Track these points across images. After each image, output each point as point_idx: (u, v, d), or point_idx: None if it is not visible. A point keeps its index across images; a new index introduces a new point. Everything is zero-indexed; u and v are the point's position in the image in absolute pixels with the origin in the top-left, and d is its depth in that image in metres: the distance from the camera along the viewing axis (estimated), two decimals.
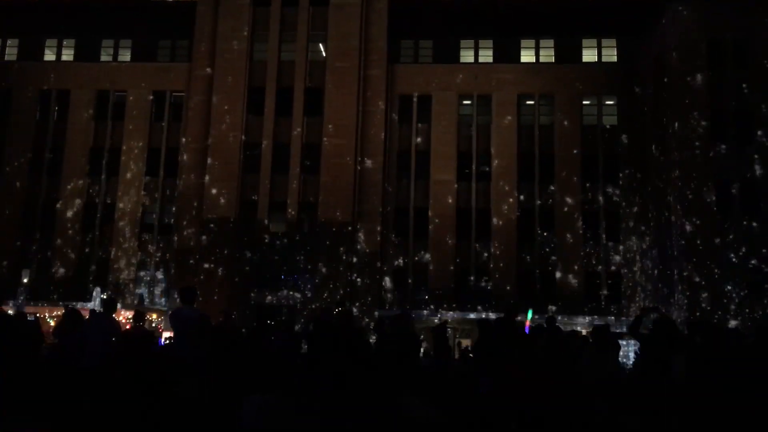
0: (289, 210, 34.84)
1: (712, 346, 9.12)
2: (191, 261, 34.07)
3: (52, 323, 24.96)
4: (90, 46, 38.72)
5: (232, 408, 7.83)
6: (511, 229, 34.50)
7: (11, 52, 39.43)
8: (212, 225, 34.23)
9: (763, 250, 28.39)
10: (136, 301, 33.12)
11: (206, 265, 33.63)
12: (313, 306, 32.05)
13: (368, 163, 34.97)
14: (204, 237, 34.07)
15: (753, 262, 28.54)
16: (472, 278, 34.46)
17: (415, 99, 36.44)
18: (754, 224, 28.72)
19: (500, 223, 34.60)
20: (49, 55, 39.22)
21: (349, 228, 33.87)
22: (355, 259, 33.78)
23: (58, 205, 36.45)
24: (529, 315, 24.99)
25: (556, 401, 8.03)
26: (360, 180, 34.72)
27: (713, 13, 30.46)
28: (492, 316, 27.02)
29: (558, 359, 9.76)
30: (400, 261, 34.82)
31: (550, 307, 31.81)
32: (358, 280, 33.67)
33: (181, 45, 38.24)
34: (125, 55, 38.75)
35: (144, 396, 7.91)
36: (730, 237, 28.51)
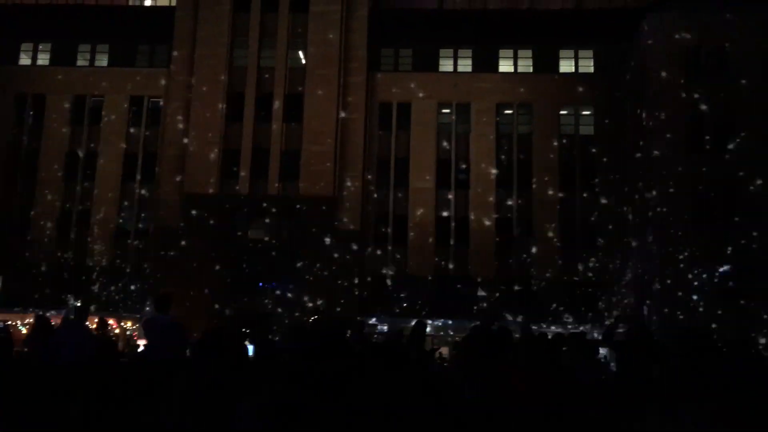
0: (269, 218, 34.66)
1: (689, 353, 9.18)
2: (168, 268, 33.68)
3: (24, 331, 24.56)
4: (67, 51, 38.34)
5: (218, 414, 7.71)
6: (489, 236, 34.63)
7: None
8: (190, 231, 33.92)
9: (739, 259, 28.71)
10: (111, 309, 32.67)
11: (183, 273, 33.25)
12: (296, 313, 31.86)
13: (348, 170, 34.92)
14: (182, 243, 33.75)
15: (729, 269, 28.84)
16: (451, 285, 34.46)
17: (394, 107, 36.52)
18: (732, 232, 29.03)
19: (479, 230, 34.71)
20: (25, 59, 38.77)
21: (329, 235, 33.77)
22: (334, 267, 33.64)
23: (32, 211, 35.94)
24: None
25: (554, 403, 7.99)
26: (339, 187, 34.65)
27: (690, 23, 30.88)
28: (469, 323, 26.99)
29: (542, 362, 9.75)
30: (380, 268, 34.74)
31: (519, 317, 31.92)
32: (338, 286, 33.51)
33: (159, 50, 37.96)
34: (102, 60, 38.40)
35: (114, 401, 7.78)
36: (707, 245, 28.78)
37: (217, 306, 32.78)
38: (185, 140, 35.21)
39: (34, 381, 8.83)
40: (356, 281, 33.92)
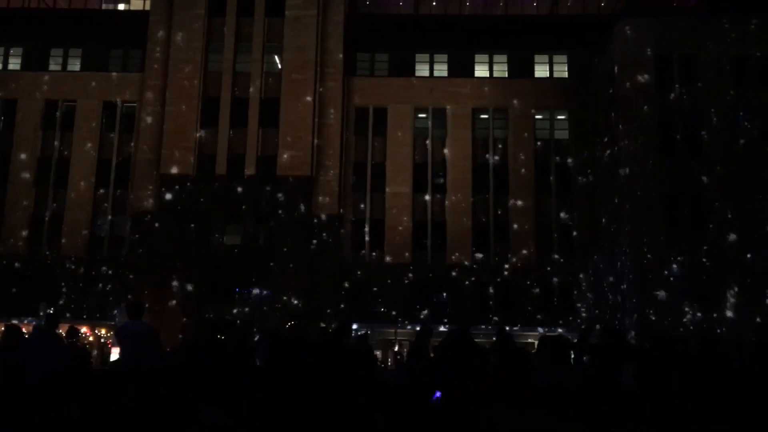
0: (244, 223, 34.51)
1: (661, 355, 9.30)
2: (144, 274, 33.36)
3: None
4: (39, 55, 37.85)
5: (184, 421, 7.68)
6: (466, 241, 34.78)
7: None
8: (165, 238, 33.63)
9: (709, 262, 29.15)
10: (85, 316, 32.27)
11: (159, 279, 32.99)
12: (271, 319, 31.70)
13: (324, 175, 34.87)
14: (158, 250, 33.43)
15: (701, 273, 29.25)
16: (427, 291, 34.55)
17: (371, 111, 36.56)
18: (703, 236, 29.46)
19: (456, 235, 34.85)
20: None
21: (305, 239, 33.69)
22: (311, 272, 33.53)
23: (3, 217, 35.39)
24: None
25: (513, 409, 8.05)
26: (316, 192, 34.56)
27: (661, 30, 31.34)
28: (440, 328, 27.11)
29: (514, 368, 9.81)
30: (358, 273, 34.70)
31: (494, 318, 32.16)
32: (315, 292, 33.43)
33: (133, 55, 37.59)
34: (75, 65, 37.95)
35: (91, 411, 7.70)
36: (679, 249, 29.19)
37: (190, 315, 32.55)
38: (159, 145, 34.90)
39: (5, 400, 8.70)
40: (334, 287, 33.83)
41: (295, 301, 32.71)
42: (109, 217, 35.81)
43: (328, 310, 32.93)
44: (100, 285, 34.75)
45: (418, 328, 12.34)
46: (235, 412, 8.14)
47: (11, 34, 37.57)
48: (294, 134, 34.80)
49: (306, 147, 34.68)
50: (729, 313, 28.28)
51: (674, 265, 28.97)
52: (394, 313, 33.82)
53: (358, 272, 34.69)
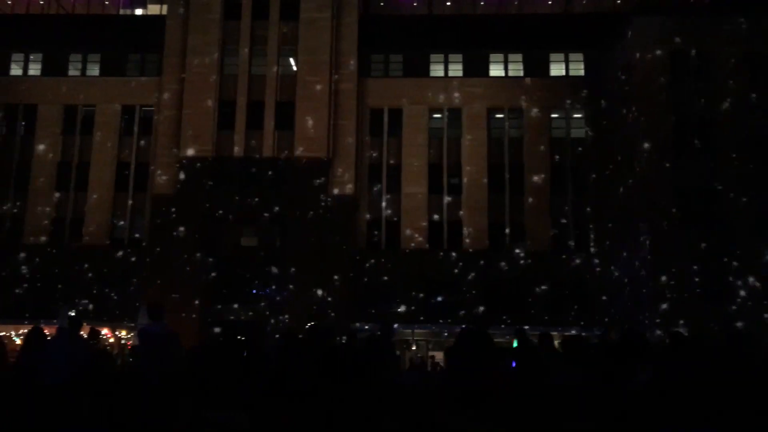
0: (261, 224, 34.72)
1: (680, 354, 9.26)
2: (163, 276, 33.66)
3: (18, 342, 24.50)
4: (58, 61, 38.30)
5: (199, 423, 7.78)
6: (482, 241, 34.73)
7: None
8: (182, 238, 33.94)
9: (725, 260, 28.95)
10: (105, 318, 32.59)
11: (178, 280, 33.28)
12: (287, 319, 31.87)
13: (339, 176, 34.98)
14: (178, 251, 33.74)
15: (715, 269, 29.05)
16: (443, 291, 34.52)
17: (385, 113, 36.63)
18: (717, 232, 29.25)
19: (471, 235, 34.81)
20: (16, 70, 38.71)
21: (321, 239, 33.82)
22: (326, 271, 33.65)
23: (24, 221, 35.88)
24: (515, 344, 25.00)
25: (528, 410, 8.08)
26: (331, 194, 34.68)
27: (675, 27, 31.19)
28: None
29: (530, 370, 9.83)
30: (373, 273, 34.74)
31: (514, 316, 32.03)
32: (331, 293, 33.55)
33: (150, 59, 37.96)
34: (94, 70, 38.38)
35: (109, 414, 7.82)
36: (694, 245, 29.02)
37: (209, 314, 32.84)
38: (177, 148, 35.21)
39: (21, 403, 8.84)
40: (349, 288, 33.92)
41: (311, 302, 32.82)
42: (128, 219, 36.16)
43: (344, 311, 33.03)
44: (120, 287, 35.11)
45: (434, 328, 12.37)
46: (248, 414, 8.23)
47: (31, 40, 38.06)
48: (309, 136, 34.96)
49: (321, 149, 34.81)
50: (744, 309, 28.10)
51: (689, 262, 28.81)
52: (409, 312, 33.80)
53: (373, 272, 34.70)
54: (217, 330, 31.26)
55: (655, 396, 8.27)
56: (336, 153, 35.20)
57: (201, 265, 33.67)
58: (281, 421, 8.27)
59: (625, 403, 8.11)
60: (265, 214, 34.50)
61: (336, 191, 34.73)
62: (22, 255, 35.23)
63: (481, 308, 33.08)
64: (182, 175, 34.77)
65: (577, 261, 34.28)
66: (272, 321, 32.72)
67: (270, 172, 34.94)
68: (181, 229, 34.02)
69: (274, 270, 33.86)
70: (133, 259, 35.12)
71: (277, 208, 34.44)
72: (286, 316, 32.45)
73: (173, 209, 34.40)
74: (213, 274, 33.85)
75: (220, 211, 34.48)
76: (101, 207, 35.95)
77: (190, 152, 34.93)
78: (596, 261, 34.07)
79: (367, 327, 31.96)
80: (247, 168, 35.15)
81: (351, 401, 8.03)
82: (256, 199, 34.58)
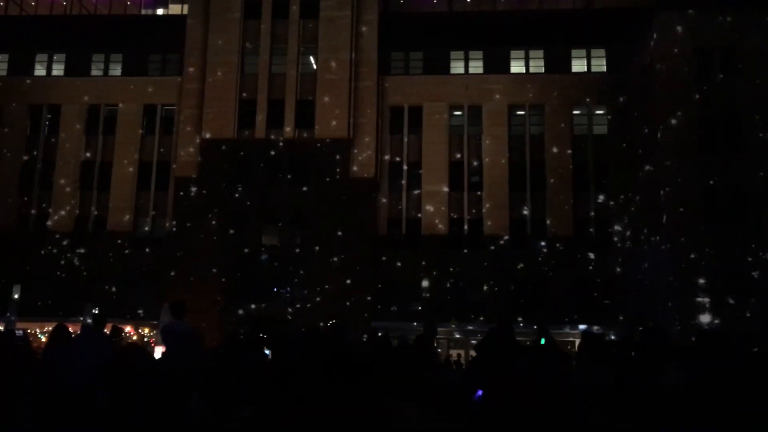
0: (281, 223, 34.84)
1: (707, 353, 9.11)
2: (184, 274, 33.90)
3: (43, 339, 24.76)
4: (80, 61, 38.68)
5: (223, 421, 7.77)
6: (503, 238, 34.54)
7: (1, 67, 39.34)
8: (203, 236, 34.15)
9: (750, 258, 28.51)
10: (128, 316, 32.85)
11: (199, 278, 33.50)
12: (309, 318, 31.92)
13: (359, 175, 34.96)
14: (198, 249, 33.97)
15: (741, 269, 28.62)
16: (464, 289, 34.39)
17: (406, 110, 36.54)
18: (743, 232, 28.82)
19: (492, 232, 34.63)
20: (40, 70, 39.16)
21: (340, 234, 33.85)
22: (347, 269, 33.68)
23: (49, 221, 36.31)
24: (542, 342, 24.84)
25: (549, 409, 7.98)
26: (351, 192, 34.69)
27: (700, 22, 30.74)
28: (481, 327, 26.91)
29: (551, 367, 9.72)
30: (393, 272, 34.68)
31: (537, 314, 31.78)
32: (352, 290, 33.56)
33: (171, 59, 38.25)
34: (116, 70, 38.71)
35: (133, 413, 7.83)
36: (719, 244, 28.61)
37: (229, 311, 33.00)
38: (198, 147, 35.42)
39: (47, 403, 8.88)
40: (370, 286, 33.90)
41: (332, 300, 32.84)
42: (150, 218, 36.46)
43: (364, 309, 33.04)
44: (143, 285, 35.41)
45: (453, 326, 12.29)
46: (269, 411, 8.20)
47: (54, 41, 38.47)
48: (329, 134, 35.00)
49: (341, 147, 34.83)
50: None
51: (713, 260, 28.41)
52: (429, 310, 33.69)
53: (395, 269, 34.65)
54: (239, 328, 31.40)
55: (686, 396, 8.14)
56: (356, 151, 35.17)
57: (223, 261, 33.82)
58: (298, 419, 8.23)
59: (654, 403, 7.99)
60: (281, 222, 34.59)
61: (356, 193, 34.65)
62: (46, 253, 35.64)
63: (502, 306, 32.85)
64: (202, 174, 34.95)
65: (600, 258, 33.96)
66: (292, 318, 32.78)
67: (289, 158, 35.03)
68: (205, 217, 34.19)
69: (294, 268, 33.92)
70: (155, 256, 35.37)
71: (302, 188, 34.46)
72: (306, 309, 32.47)
73: (194, 189, 34.64)
74: (237, 274, 34.02)
75: (245, 202, 34.58)
76: (124, 206, 36.26)
77: (210, 135, 35.11)
78: (619, 258, 33.74)
79: (389, 326, 31.89)
80: (267, 152, 35.23)
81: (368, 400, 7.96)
82: (278, 201, 34.66)
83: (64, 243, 35.96)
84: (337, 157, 34.64)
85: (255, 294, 33.89)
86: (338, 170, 34.64)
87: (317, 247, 33.84)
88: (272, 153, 35.23)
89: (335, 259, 33.64)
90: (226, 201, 34.58)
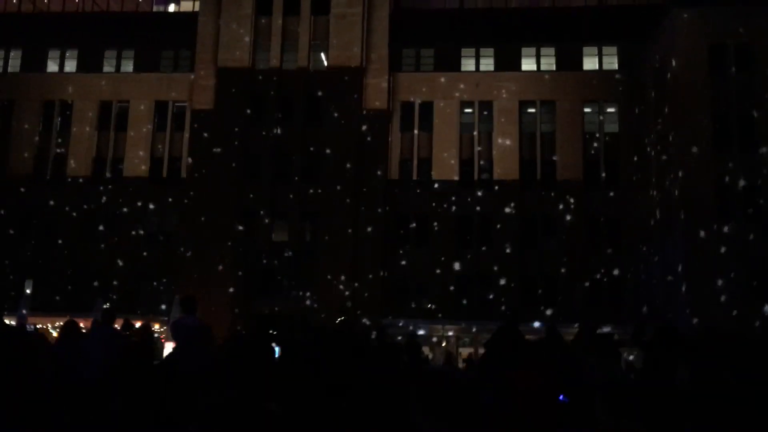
0: (291, 220, 34.91)
1: (717, 352, 9.06)
2: (193, 269, 34.03)
3: (55, 334, 24.90)
4: (93, 57, 38.87)
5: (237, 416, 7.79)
6: (513, 236, 34.43)
7: (14, 64, 39.60)
8: (214, 235, 34.28)
9: (764, 256, 28.25)
10: (139, 311, 32.99)
11: (209, 275, 33.62)
12: (321, 315, 31.98)
13: (370, 171, 34.94)
14: (209, 246, 34.10)
15: (755, 268, 28.38)
16: (473, 286, 34.33)
17: (416, 107, 36.49)
18: (758, 230, 28.58)
19: (502, 230, 34.52)
20: (52, 67, 39.38)
21: (350, 231, 33.89)
22: (355, 265, 33.70)
23: (60, 217, 36.48)
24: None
25: (557, 408, 7.97)
26: (361, 187, 34.68)
27: (714, 19, 30.47)
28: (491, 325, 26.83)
29: (560, 366, 9.70)
30: (403, 269, 34.65)
31: (548, 312, 31.72)
32: (362, 288, 33.58)
33: (183, 55, 38.40)
34: (128, 66, 38.88)
35: (145, 407, 7.88)
36: (733, 243, 28.39)
37: (240, 309, 33.12)
38: (209, 143, 35.53)
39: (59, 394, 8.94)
40: (379, 285, 33.92)
41: (341, 296, 32.90)
42: (161, 213, 36.61)
43: (373, 305, 33.06)
44: (153, 280, 35.63)
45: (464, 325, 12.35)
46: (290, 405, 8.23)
47: (67, 37, 38.69)
48: (340, 130, 35.04)
49: (352, 143, 34.85)
50: None
51: (728, 261, 28.17)
52: (438, 308, 33.68)
53: (404, 266, 34.62)
54: (246, 324, 31.50)
55: (696, 394, 8.10)
56: (366, 147, 35.16)
57: (234, 262, 33.95)
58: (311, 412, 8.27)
59: (665, 402, 7.96)
60: (292, 218, 34.67)
61: (367, 193, 34.64)
62: (59, 249, 35.85)
63: (513, 305, 32.77)
64: (213, 170, 35.06)
65: (611, 257, 33.80)
66: (303, 314, 32.83)
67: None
68: (212, 224, 34.33)
69: (305, 267, 34.04)
70: (166, 252, 35.51)
71: (307, 206, 34.55)
72: (316, 305, 32.55)
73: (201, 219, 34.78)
74: (247, 269, 34.18)
75: (257, 207, 34.70)
76: (135, 201, 36.39)
77: (220, 146, 35.23)
78: (631, 257, 33.56)
79: (400, 323, 31.92)
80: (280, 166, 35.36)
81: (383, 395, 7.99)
82: (289, 200, 34.75)
83: (77, 237, 36.11)
84: (346, 150, 34.80)
85: (266, 290, 34.00)
86: (349, 166, 34.66)
87: (327, 245, 33.84)
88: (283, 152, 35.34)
89: (347, 252, 33.63)
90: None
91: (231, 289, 33.78)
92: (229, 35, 36.32)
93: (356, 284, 33.45)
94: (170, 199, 36.38)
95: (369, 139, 35.16)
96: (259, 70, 36.36)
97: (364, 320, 31.02)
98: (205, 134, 35.71)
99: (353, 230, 34.02)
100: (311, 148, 35.33)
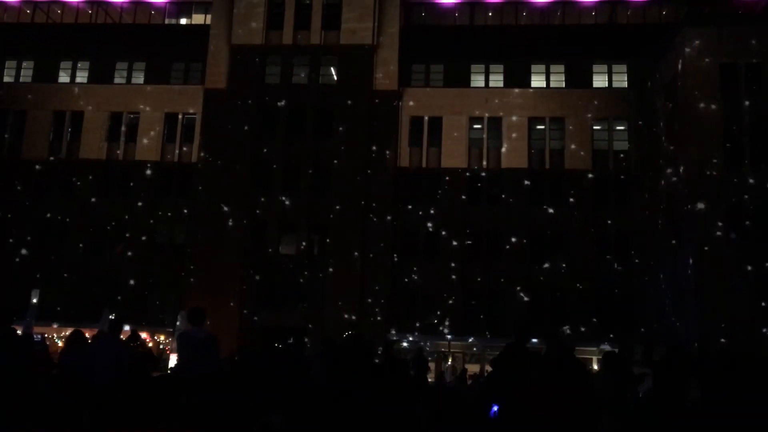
0: (300, 231, 34.90)
1: (728, 372, 8.94)
2: (201, 281, 34.03)
3: (60, 344, 24.90)
4: (104, 69, 39.15)
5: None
6: (522, 253, 34.28)
7: (26, 74, 39.92)
8: (222, 247, 34.31)
9: None
10: (144, 322, 32.98)
11: (217, 287, 33.61)
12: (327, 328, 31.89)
13: (379, 184, 34.97)
14: (217, 258, 34.12)
15: (766, 286, 28.14)
16: (481, 302, 34.19)
17: (425, 122, 36.53)
18: None
19: (511, 247, 34.39)
20: (64, 77, 39.65)
21: (360, 238, 33.86)
22: (363, 279, 33.64)
23: (69, 228, 36.55)
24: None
25: (566, 424, 7.88)
26: (369, 201, 34.69)
27: (725, 38, 30.45)
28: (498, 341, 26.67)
29: (570, 382, 9.60)
30: (411, 284, 34.55)
31: (563, 329, 31.55)
32: (371, 302, 33.51)
33: (194, 67, 38.63)
34: (139, 78, 39.13)
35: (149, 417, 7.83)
36: (744, 261, 28.19)
37: (248, 318, 33.06)
38: (219, 155, 35.64)
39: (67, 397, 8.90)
40: (387, 297, 33.83)
41: (350, 311, 32.81)
42: (170, 225, 36.66)
43: (381, 319, 32.96)
44: (161, 292, 35.63)
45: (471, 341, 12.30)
46: (295, 419, 8.17)
47: (79, 48, 39.03)
48: (349, 144, 35.13)
49: (361, 156, 34.92)
50: None
51: (739, 279, 27.96)
52: (447, 324, 33.53)
53: (412, 282, 34.51)
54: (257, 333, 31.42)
55: (705, 416, 7.99)
56: (375, 160, 35.19)
57: (241, 272, 33.93)
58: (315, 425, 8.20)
59: (675, 421, 7.86)
60: (301, 230, 34.70)
61: (374, 205, 34.67)
62: (66, 259, 35.90)
63: (520, 321, 32.58)
64: (222, 181, 35.11)
65: (621, 274, 33.60)
66: (310, 327, 32.78)
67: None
68: (221, 235, 34.33)
69: (312, 280, 34.00)
70: (173, 263, 35.51)
71: (317, 220, 34.55)
72: (324, 318, 32.47)
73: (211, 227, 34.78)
74: (253, 280, 34.16)
75: (265, 217, 34.73)
76: (144, 213, 36.46)
77: (229, 158, 35.30)
78: (641, 274, 33.37)
79: (409, 339, 31.78)
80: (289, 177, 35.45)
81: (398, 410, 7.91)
82: (297, 211, 34.76)
83: (84, 248, 36.18)
84: (355, 163, 34.89)
85: (273, 303, 33.96)
86: (358, 178, 34.72)
87: (337, 256, 33.80)
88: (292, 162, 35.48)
89: (355, 266, 33.58)
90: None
91: (238, 302, 33.75)
92: (239, 48, 36.59)
93: (364, 298, 33.38)
94: (179, 211, 36.43)
95: (375, 150, 35.21)
96: (270, 85, 36.50)
97: (372, 335, 30.87)
98: (213, 141, 35.83)
99: (361, 244, 33.97)
100: (321, 158, 35.39)
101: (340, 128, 35.44)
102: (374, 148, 35.37)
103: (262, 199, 35.20)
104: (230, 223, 34.70)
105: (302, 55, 36.81)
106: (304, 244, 34.79)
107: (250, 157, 35.54)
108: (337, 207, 34.44)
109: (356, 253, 33.82)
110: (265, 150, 35.75)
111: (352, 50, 36.12)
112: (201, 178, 35.90)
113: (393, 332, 32.55)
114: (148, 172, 36.99)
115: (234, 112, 35.90)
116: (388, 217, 34.70)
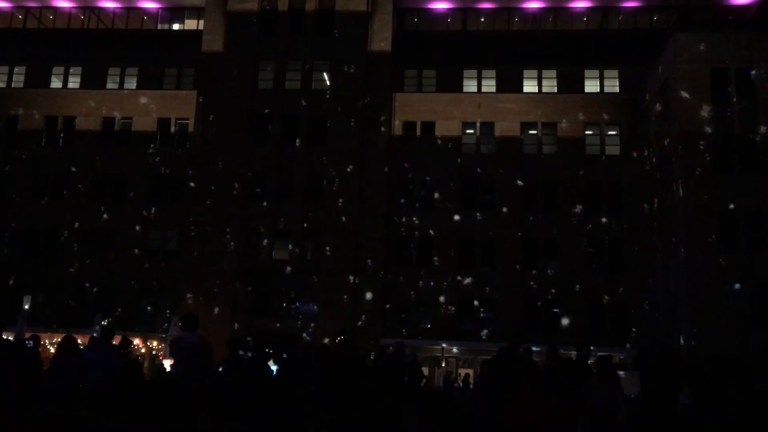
0: (293, 237, 34.85)
1: (719, 378, 9.00)
2: (194, 287, 33.96)
3: (52, 350, 24.77)
4: (96, 74, 39.07)
5: None
6: (514, 258, 34.35)
7: (18, 79, 39.80)
8: (215, 253, 34.25)
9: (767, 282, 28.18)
10: (136, 329, 32.89)
11: (210, 292, 33.55)
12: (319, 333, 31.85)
13: (371, 189, 34.97)
14: (210, 264, 34.05)
15: (758, 293, 28.29)
16: (474, 308, 34.23)
17: (418, 127, 36.60)
18: (759, 255, 28.54)
19: (503, 252, 34.46)
20: (56, 83, 39.54)
21: (353, 243, 33.85)
22: (356, 284, 33.64)
23: (60, 231, 36.45)
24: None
25: (557, 429, 7.91)
26: (361, 209, 34.70)
27: (715, 44, 30.68)
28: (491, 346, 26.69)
29: (561, 388, 9.65)
30: (404, 289, 34.56)
31: (548, 334, 31.59)
32: (362, 310, 33.50)
33: (186, 73, 38.59)
34: (131, 83, 39.06)
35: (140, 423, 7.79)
36: (735, 267, 28.33)
37: (239, 327, 32.99)
38: (212, 160, 35.60)
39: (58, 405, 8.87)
40: (380, 306, 33.83)
41: (341, 319, 32.79)
42: (162, 230, 36.56)
43: (374, 326, 32.95)
44: (153, 298, 35.52)
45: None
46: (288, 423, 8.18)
47: (71, 54, 38.96)
48: (341, 149, 35.14)
49: (353, 162, 34.94)
50: None
51: (730, 285, 28.09)
52: (439, 329, 33.54)
53: (405, 287, 34.53)
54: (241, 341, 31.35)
55: (697, 420, 8.04)
56: (367, 166, 35.23)
57: (234, 281, 33.88)
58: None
59: (666, 426, 7.89)
60: (293, 240, 34.67)
61: (367, 216, 34.69)
62: (58, 265, 35.76)
63: (514, 327, 32.64)
64: (215, 187, 35.06)
65: (613, 281, 33.69)
66: (304, 334, 32.76)
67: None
68: (216, 242, 34.28)
69: (305, 284, 33.97)
70: (165, 269, 35.43)
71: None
72: (313, 326, 32.45)
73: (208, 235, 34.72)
74: (246, 287, 34.11)
75: (258, 224, 34.70)
76: (137, 219, 36.35)
77: (222, 164, 35.28)
78: (633, 280, 33.45)
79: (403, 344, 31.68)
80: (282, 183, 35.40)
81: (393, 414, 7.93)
82: (291, 218, 34.76)
83: (76, 254, 36.04)
84: (348, 169, 34.90)
85: (265, 309, 33.91)
86: (351, 184, 34.74)
87: (332, 265, 33.79)
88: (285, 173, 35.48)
89: (347, 273, 33.59)
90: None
91: (231, 307, 33.67)
92: (232, 54, 36.59)
93: (357, 303, 33.36)
94: (171, 216, 36.33)
95: (371, 150, 35.25)
96: (263, 90, 36.49)
97: (365, 340, 30.88)
98: (206, 147, 35.79)
99: (355, 250, 33.97)
100: (313, 161, 35.39)
101: (333, 134, 35.43)
102: (367, 153, 35.37)
103: (255, 205, 35.15)
104: (223, 229, 34.60)
105: (295, 61, 36.81)
106: (297, 250, 34.71)
107: (244, 163, 35.47)
108: (331, 213, 34.43)
109: (349, 259, 33.78)
110: (258, 155, 35.68)
111: (345, 56, 36.15)
112: (194, 184, 35.83)
113: (385, 338, 32.51)
114: (141, 177, 36.89)
115: (227, 117, 35.85)
116: (382, 223, 34.70)
